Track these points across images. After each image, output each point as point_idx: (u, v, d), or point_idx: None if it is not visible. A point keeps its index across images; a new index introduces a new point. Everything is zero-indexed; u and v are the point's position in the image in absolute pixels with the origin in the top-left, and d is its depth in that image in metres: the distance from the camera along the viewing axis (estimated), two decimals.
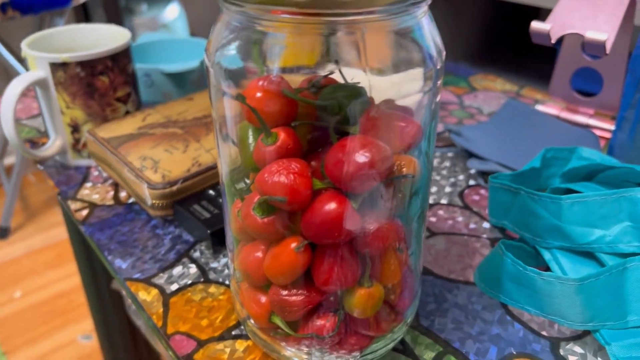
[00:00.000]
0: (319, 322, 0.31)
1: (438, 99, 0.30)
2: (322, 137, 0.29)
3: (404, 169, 0.29)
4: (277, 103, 0.27)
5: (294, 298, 0.30)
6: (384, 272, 0.31)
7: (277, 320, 0.31)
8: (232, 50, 0.28)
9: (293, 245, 0.28)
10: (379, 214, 0.29)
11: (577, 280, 0.33)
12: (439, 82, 0.29)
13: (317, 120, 0.28)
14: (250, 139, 0.29)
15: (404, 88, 0.27)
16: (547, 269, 0.40)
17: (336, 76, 0.27)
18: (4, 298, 1.39)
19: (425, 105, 0.29)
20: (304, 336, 0.31)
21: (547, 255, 0.38)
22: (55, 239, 1.60)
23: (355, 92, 0.27)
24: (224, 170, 0.32)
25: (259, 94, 0.27)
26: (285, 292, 0.30)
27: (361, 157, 0.26)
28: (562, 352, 0.35)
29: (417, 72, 0.27)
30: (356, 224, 0.28)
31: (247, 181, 0.31)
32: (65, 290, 1.41)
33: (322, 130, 0.29)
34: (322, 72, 0.27)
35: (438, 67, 0.28)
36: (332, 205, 0.27)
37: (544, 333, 0.36)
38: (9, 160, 1.87)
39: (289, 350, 0.33)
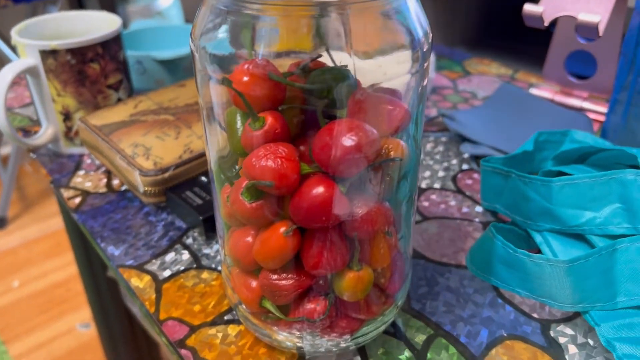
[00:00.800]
0: (310, 306, 0.31)
1: (425, 82, 0.30)
2: (311, 121, 0.29)
3: (392, 153, 0.28)
4: (263, 87, 0.27)
5: (284, 282, 0.30)
6: (373, 256, 0.31)
7: (268, 305, 0.31)
8: (218, 34, 0.28)
9: (282, 229, 0.28)
10: (367, 197, 0.29)
11: (567, 262, 0.33)
12: (425, 64, 0.29)
13: (305, 104, 0.28)
14: (238, 124, 0.29)
15: (390, 70, 0.27)
16: (539, 251, 0.40)
17: (326, 60, 0.27)
18: (2, 288, 1.40)
19: (413, 88, 0.28)
20: (295, 320, 0.31)
21: (538, 238, 0.38)
22: (52, 228, 1.61)
23: (342, 75, 0.27)
24: (212, 156, 0.32)
25: (245, 78, 0.27)
26: (275, 277, 0.30)
27: (348, 141, 0.26)
28: (552, 333, 0.35)
29: (404, 55, 0.27)
30: (344, 208, 0.28)
31: (236, 168, 0.31)
32: (63, 279, 1.42)
33: (310, 114, 0.29)
34: (311, 56, 0.27)
35: (425, 49, 0.28)
36: (320, 190, 0.27)
37: (534, 315, 0.36)
38: (5, 150, 1.87)
39: (280, 335, 0.33)
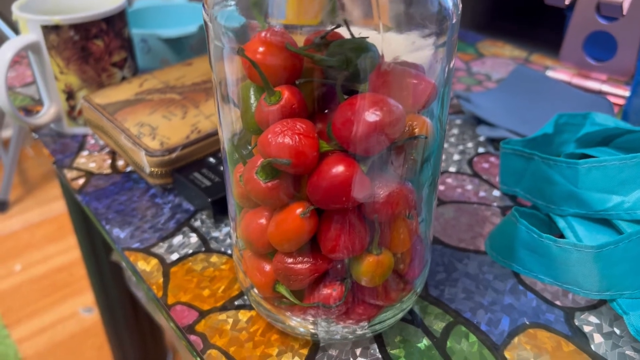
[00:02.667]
0: (326, 291, 0.29)
1: (452, 63, 0.28)
2: (329, 97, 0.27)
3: (416, 130, 0.27)
4: (280, 57, 0.25)
5: (299, 266, 0.28)
6: (394, 240, 0.29)
7: (282, 289, 0.30)
8: (231, 4, 0.26)
9: (298, 210, 0.27)
10: (389, 178, 0.27)
11: (595, 247, 0.31)
12: (453, 37, 0.27)
13: (323, 78, 0.27)
14: (252, 99, 0.28)
15: (416, 43, 0.26)
16: (561, 236, 0.38)
17: (344, 34, 0.25)
18: (4, 271, 1.39)
19: (440, 63, 0.27)
20: (310, 305, 0.30)
21: (561, 223, 0.37)
22: (55, 212, 1.59)
23: (364, 46, 0.25)
24: (224, 134, 0.30)
25: (261, 48, 0.25)
26: (290, 260, 0.28)
27: (372, 116, 0.25)
28: (576, 322, 0.34)
29: (431, 26, 0.25)
30: (365, 188, 0.26)
31: (249, 147, 0.29)
32: (65, 263, 1.41)
33: (329, 89, 0.27)
34: (330, 26, 0.25)
35: (454, 20, 0.26)
36: (339, 169, 0.26)
37: (557, 303, 0.35)
38: (6, 133, 1.85)
39: (294, 321, 0.31)
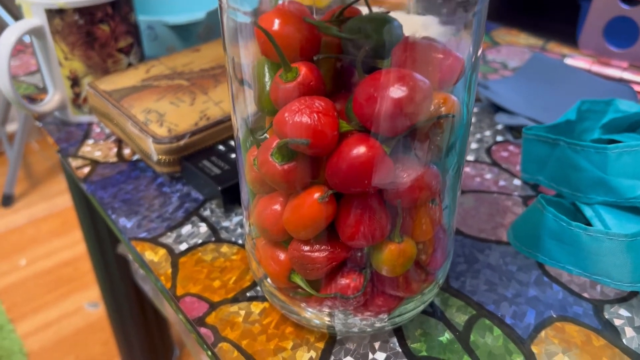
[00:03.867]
0: (344, 281, 0.28)
1: (480, 51, 0.26)
2: (348, 75, 0.26)
3: (443, 110, 0.25)
4: (298, 30, 0.24)
5: (316, 254, 0.27)
6: (416, 228, 0.28)
7: (298, 279, 0.28)
8: None
9: (316, 195, 0.25)
10: (414, 161, 0.26)
11: (629, 236, 0.30)
12: (482, 18, 0.25)
13: (342, 54, 0.25)
14: (267, 77, 0.26)
15: (441, 22, 0.24)
16: (588, 225, 0.37)
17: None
18: (9, 266, 1.38)
19: (466, 49, 0.25)
20: (327, 296, 0.28)
21: (588, 212, 0.35)
22: (60, 206, 1.58)
23: (386, 19, 0.23)
24: (238, 118, 0.29)
25: (277, 20, 0.24)
26: (307, 248, 0.27)
27: (397, 92, 0.23)
28: (606, 315, 0.32)
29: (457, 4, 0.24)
30: (388, 171, 0.25)
31: (265, 129, 0.28)
32: (70, 258, 1.40)
33: (347, 67, 0.25)
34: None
35: None
36: (361, 150, 0.24)
37: (585, 295, 0.33)
38: (12, 127, 1.84)
39: (309, 312, 0.30)
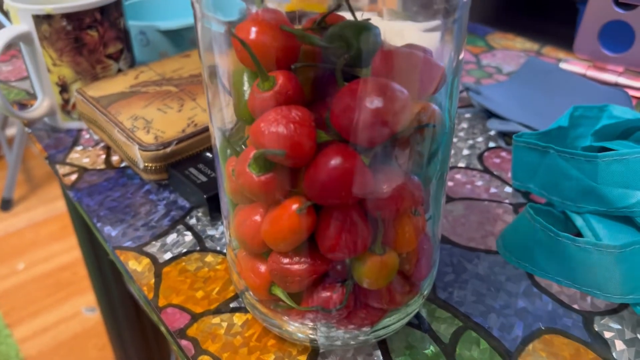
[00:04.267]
0: (325, 294, 0.27)
1: (462, 54, 0.26)
2: (328, 84, 0.25)
3: (424, 119, 0.25)
4: (274, 38, 0.23)
5: (296, 267, 0.26)
6: (399, 239, 0.27)
7: (278, 292, 0.28)
8: None
9: (294, 206, 0.25)
10: (394, 171, 0.25)
11: (618, 247, 0.29)
12: (463, 22, 0.25)
13: (321, 62, 0.24)
14: (245, 86, 0.26)
15: (423, 27, 0.23)
16: (578, 235, 0.36)
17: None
18: (7, 270, 1.37)
19: (448, 53, 0.24)
20: (309, 309, 0.28)
21: (578, 221, 0.34)
22: (59, 210, 1.58)
23: (365, 27, 0.23)
24: (215, 128, 0.28)
25: (254, 28, 0.23)
26: (286, 260, 0.26)
27: (374, 103, 0.22)
28: (596, 327, 0.31)
29: (438, 7, 0.23)
30: (367, 182, 0.24)
31: (244, 138, 0.27)
32: (68, 262, 1.39)
33: (327, 76, 0.25)
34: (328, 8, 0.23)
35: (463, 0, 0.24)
36: (339, 160, 0.23)
37: (575, 307, 0.33)
38: (11, 131, 1.84)
39: (291, 325, 0.29)
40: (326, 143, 0.24)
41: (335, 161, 0.23)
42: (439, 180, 0.28)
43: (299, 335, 0.29)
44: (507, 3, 1.29)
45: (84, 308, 1.26)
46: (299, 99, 0.24)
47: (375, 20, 0.23)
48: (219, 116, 0.27)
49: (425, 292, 0.31)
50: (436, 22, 0.23)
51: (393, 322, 0.30)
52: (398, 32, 0.24)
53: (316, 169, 0.24)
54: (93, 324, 1.21)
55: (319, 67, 0.25)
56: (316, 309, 0.27)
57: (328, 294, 0.27)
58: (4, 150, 1.69)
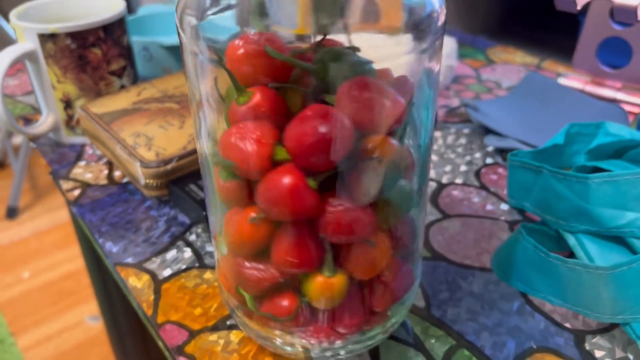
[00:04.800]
0: (278, 303, 0.28)
1: (437, 68, 0.26)
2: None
3: (371, 152, 0.25)
4: (256, 63, 0.24)
5: (250, 272, 0.27)
6: (352, 264, 0.27)
7: (242, 292, 0.29)
8: (214, 11, 0.25)
9: (251, 215, 0.26)
10: (343, 198, 0.25)
11: (608, 268, 0.29)
12: (437, 42, 0.25)
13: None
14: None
15: (390, 49, 0.24)
16: (571, 254, 0.36)
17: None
18: (12, 278, 1.38)
19: (421, 66, 0.25)
20: (261, 314, 0.28)
21: (571, 240, 0.35)
22: (63, 219, 1.59)
23: (338, 55, 0.23)
24: (203, 134, 0.29)
25: (239, 49, 0.24)
26: (246, 265, 0.28)
27: (316, 130, 0.23)
28: (587, 346, 0.32)
29: (415, 29, 0.24)
30: (310, 204, 0.25)
31: None
32: (73, 271, 1.40)
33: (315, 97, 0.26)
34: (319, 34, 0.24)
35: (439, 22, 0.25)
36: (284, 180, 0.24)
37: (567, 325, 0.33)
38: (17, 139, 1.86)
39: (279, 340, 0.30)
40: (283, 162, 0.25)
41: (281, 180, 0.24)
42: (418, 206, 0.29)
43: (288, 349, 0.30)
44: (509, 14, 1.29)
45: (87, 317, 1.27)
46: (276, 115, 0.25)
47: (377, 38, 0.23)
48: (205, 123, 0.28)
49: (391, 322, 0.31)
50: (412, 44, 0.24)
51: (376, 334, 0.30)
52: (378, 45, 0.24)
53: (265, 186, 0.25)
54: (96, 332, 1.22)
55: (294, 89, 0.25)
56: (267, 315, 0.28)
57: (281, 303, 0.28)
58: (10, 159, 1.70)
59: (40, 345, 1.20)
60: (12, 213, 1.61)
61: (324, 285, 0.27)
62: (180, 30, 0.26)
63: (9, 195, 1.65)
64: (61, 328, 1.24)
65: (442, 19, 0.25)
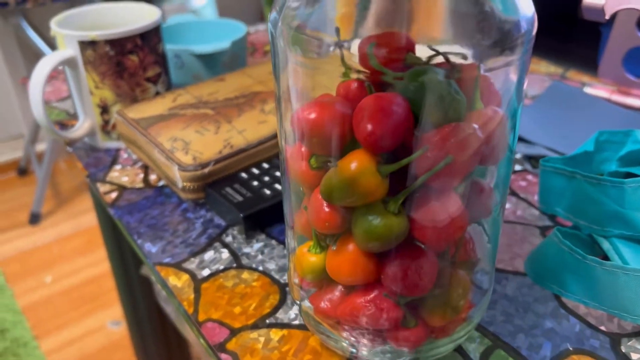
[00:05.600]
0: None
1: (526, 83, 0.27)
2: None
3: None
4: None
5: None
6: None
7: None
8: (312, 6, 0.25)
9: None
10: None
11: None
12: (527, 54, 0.25)
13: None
14: None
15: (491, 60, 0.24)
16: (605, 258, 0.37)
17: None
18: (35, 283, 1.41)
19: (513, 88, 0.25)
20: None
21: (605, 245, 0.35)
22: (85, 225, 1.62)
23: (436, 88, 0.23)
24: (283, 130, 0.29)
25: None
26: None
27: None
28: (623, 349, 0.32)
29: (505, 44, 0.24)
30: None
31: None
32: (95, 276, 1.42)
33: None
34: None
35: (533, 32, 0.25)
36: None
37: (602, 328, 0.33)
38: (41, 147, 1.89)
39: (333, 336, 0.30)
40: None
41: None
42: (498, 212, 0.29)
43: (343, 343, 0.30)
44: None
45: (109, 322, 1.28)
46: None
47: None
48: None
49: (475, 321, 0.31)
50: (506, 59, 0.24)
51: (440, 346, 0.30)
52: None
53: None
54: (119, 337, 1.24)
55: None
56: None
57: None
58: (33, 166, 1.73)
59: (63, 349, 1.21)
60: (35, 219, 1.64)
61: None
62: (277, 37, 0.26)
63: (32, 201, 1.68)
64: (84, 332, 1.25)
65: (533, 31, 0.25)
